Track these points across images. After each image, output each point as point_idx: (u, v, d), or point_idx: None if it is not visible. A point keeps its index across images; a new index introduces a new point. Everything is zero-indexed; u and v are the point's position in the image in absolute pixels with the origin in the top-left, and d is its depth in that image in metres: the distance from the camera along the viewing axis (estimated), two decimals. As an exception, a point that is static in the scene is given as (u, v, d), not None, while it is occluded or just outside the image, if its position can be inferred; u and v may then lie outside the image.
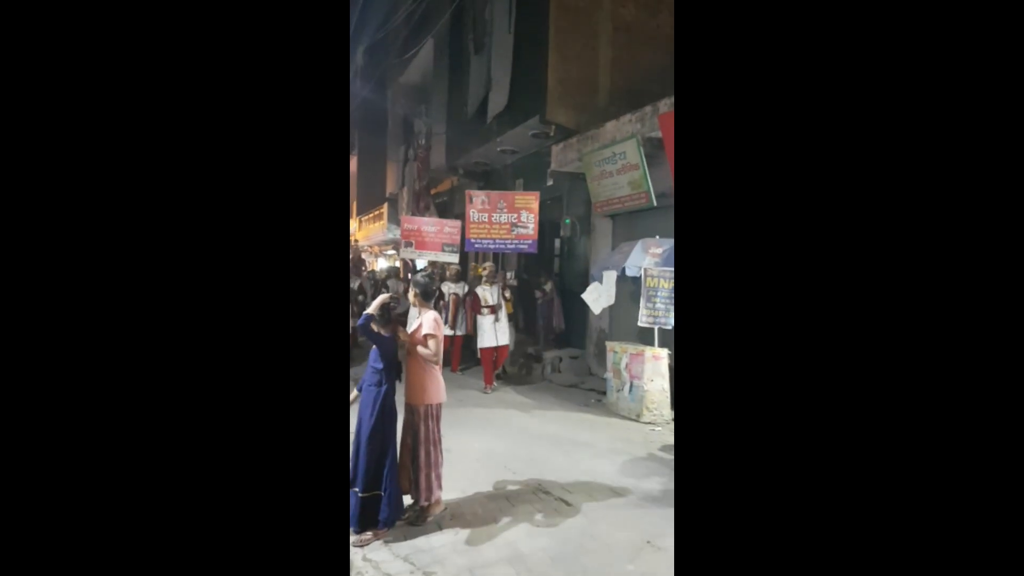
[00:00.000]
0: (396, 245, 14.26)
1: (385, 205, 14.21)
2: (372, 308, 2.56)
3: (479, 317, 5.74)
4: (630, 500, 2.97)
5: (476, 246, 6.22)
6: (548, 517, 2.74)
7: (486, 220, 6.14)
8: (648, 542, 2.50)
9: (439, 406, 2.74)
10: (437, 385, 2.72)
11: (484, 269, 6.09)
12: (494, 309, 5.72)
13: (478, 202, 6.18)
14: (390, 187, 14.58)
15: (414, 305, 2.93)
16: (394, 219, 13.67)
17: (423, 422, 2.66)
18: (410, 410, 2.70)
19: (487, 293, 5.76)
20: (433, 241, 6.57)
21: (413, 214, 12.20)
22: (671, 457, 3.72)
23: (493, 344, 5.66)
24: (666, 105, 4.68)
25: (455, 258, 6.55)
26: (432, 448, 2.68)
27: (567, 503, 2.91)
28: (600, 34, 6.26)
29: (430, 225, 6.76)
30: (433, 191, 11.22)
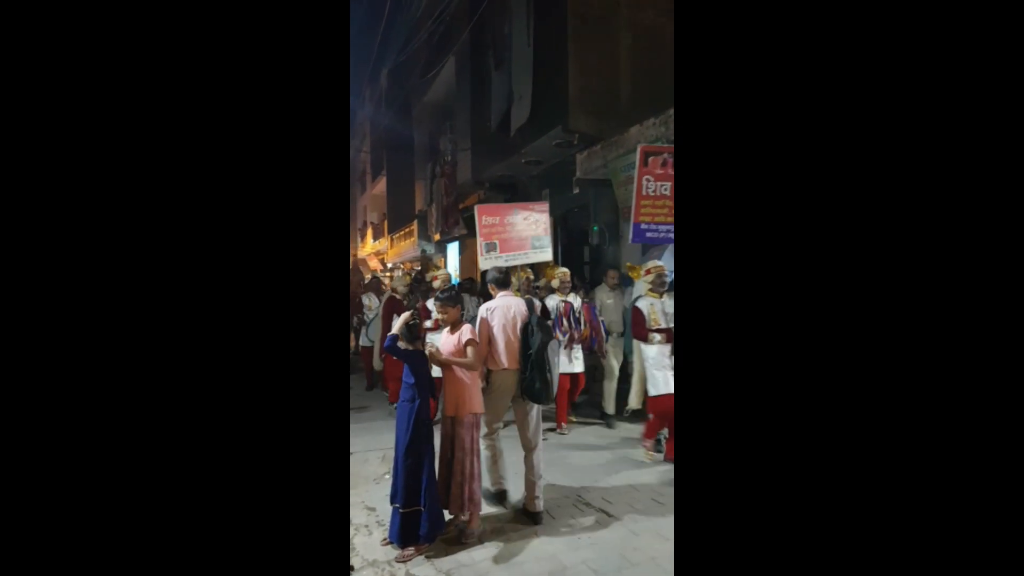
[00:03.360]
0: (427, 260, 14.49)
1: (415, 222, 14.46)
2: (396, 327, 2.60)
3: (643, 346, 3.66)
4: (672, 509, 2.91)
5: (649, 236, 3.88)
6: (589, 528, 2.71)
7: (667, 193, 3.80)
8: (693, 553, 2.45)
9: (480, 415, 2.76)
10: (478, 394, 2.76)
11: (650, 271, 3.78)
12: (670, 336, 3.59)
13: (656, 164, 3.75)
14: (419, 204, 14.85)
15: (443, 322, 2.86)
16: (424, 235, 13.88)
17: (467, 432, 2.67)
18: (450, 422, 2.70)
19: (656, 309, 3.64)
20: (520, 237, 4.50)
21: (442, 230, 12.37)
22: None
23: (669, 391, 3.49)
24: (690, 106, 4.64)
25: (547, 255, 4.56)
26: (475, 459, 2.68)
27: (608, 514, 2.87)
28: (619, 40, 6.26)
29: (516, 214, 4.47)
30: (461, 206, 11.36)
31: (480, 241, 4.38)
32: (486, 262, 4.38)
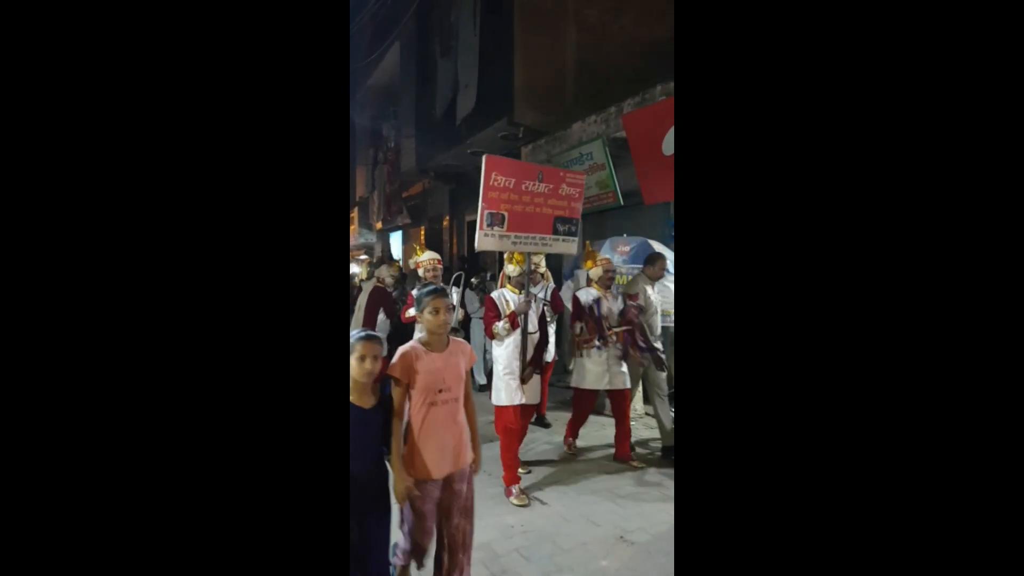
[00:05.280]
0: (368, 249, 14.10)
1: (355, 209, 14.05)
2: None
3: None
4: (604, 496, 3.01)
5: None
6: (522, 517, 2.76)
7: None
8: (621, 537, 2.54)
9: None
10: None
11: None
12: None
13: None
14: (360, 191, 14.44)
15: (431, 326, 1.92)
16: (365, 223, 13.52)
17: (466, 484, 1.94)
18: (434, 482, 1.86)
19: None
20: (541, 214, 3.15)
21: (384, 219, 12.10)
22: (645, 452, 3.78)
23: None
24: (630, 105, 4.76)
25: (573, 247, 3.39)
26: (469, 519, 1.97)
27: (542, 502, 2.94)
28: (565, 36, 6.33)
29: (539, 181, 3.10)
30: (405, 194, 11.16)
31: (481, 208, 2.89)
32: (486, 240, 2.93)
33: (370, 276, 6.28)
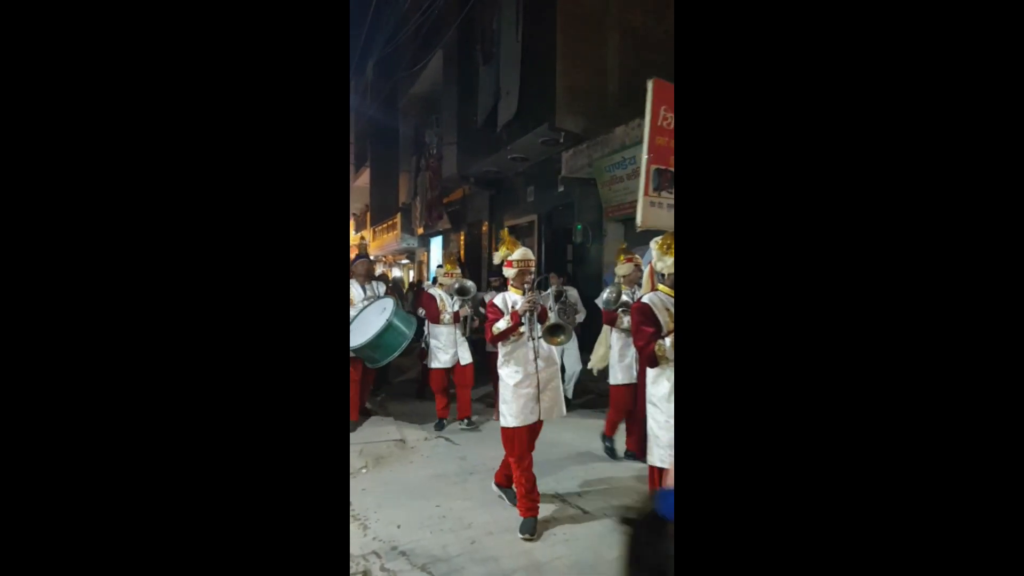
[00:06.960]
0: (410, 254, 14.38)
1: (398, 215, 14.37)
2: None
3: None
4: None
5: None
6: (565, 525, 2.73)
7: None
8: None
9: None
10: None
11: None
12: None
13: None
14: (403, 197, 14.76)
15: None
16: (407, 228, 13.81)
17: None
18: None
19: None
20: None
21: (426, 224, 12.31)
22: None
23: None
24: (675, 108, 4.69)
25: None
26: None
27: (584, 511, 2.90)
28: (607, 40, 6.29)
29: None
30: (445, 200, 11.33)
31: (647, 161, 1.89)
32: (652, 211, 1.99)
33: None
